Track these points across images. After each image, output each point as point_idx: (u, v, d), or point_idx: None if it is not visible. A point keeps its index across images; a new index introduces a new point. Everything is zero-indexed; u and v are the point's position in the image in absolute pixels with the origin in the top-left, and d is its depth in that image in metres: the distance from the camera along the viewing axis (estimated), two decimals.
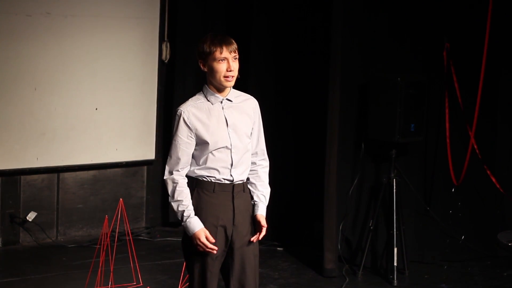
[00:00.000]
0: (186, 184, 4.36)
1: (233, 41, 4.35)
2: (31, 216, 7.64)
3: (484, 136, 7.30)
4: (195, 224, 4.28)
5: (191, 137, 4.35)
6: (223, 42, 4.31)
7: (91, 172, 7.98)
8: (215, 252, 4.29)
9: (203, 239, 4.26)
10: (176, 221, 8.26)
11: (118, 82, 7.90)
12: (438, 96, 7.22)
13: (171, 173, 4.36)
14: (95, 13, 7.70)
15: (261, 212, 4.47)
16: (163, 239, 8.01)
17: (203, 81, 8.21)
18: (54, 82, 7.57)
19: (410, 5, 7.12)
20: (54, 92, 7.58)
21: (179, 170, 4.35)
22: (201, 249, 4.29)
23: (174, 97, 8.21)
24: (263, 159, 4.56)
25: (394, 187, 6.90)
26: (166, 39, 8.20)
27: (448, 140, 7.19)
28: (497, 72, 7.27)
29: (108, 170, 8.07)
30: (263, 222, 4.44)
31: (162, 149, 8.32)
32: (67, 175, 7.85)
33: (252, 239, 4.44)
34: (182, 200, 4.31)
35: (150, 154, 8.19)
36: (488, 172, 7.24)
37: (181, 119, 4.34)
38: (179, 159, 4.35)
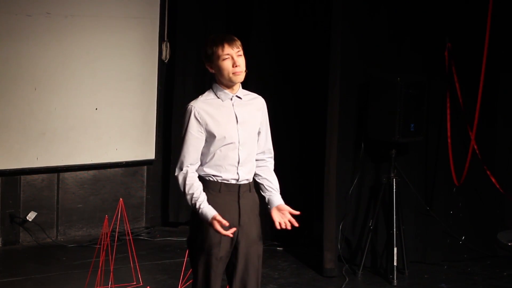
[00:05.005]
0: (197, 178, 4.35)
1: (236, 38, 4.39)
2: (31, 216, 7.64)
3: (484, 136, 7.31)
4: (208, 213, 4.26)
5: (201, 133, 4.34)
6: (224, 40, 4.34)
7: (91, 172, 7.98)
8: (231, 235, 4.26)
9: (217, 226, 4.23)
10: (176, 221, 8.28)
11: (118, 82, 7.90)
12: (439, 96, 7.22)
13: (181, 169, 4.35)
14: (95, 13, 7.70)
15: (281, 202, 4.48)
16: (163, 239, 8.02)
17: (203, 81, 8.15)
18: (54, 82, 7.57)
19: (410, 5, 7.12)
20: (54, 92, 7.58)
21: (189, 165, 4.34)
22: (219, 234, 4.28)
23: (174, 97, 8.21)
24: (270, 157, 4.58)
25: (394, 187, 6.90)
26: (166, 39, 8.20)
27: (449, 140, 7.20)
28: (497, 72, 7.28)
29: (108, 170, 8.07)
30: (290, 208, 4.45)
31: (162, 149, 8.32)
32: (67, 175, 7.85)
33: (285, 225, 4.41)
34: (193, 193, 4.30)
35: (150, 154, 8.19)
36: (488, 172, 7.24)
37: (192, 114, 4.33)
38: (189, 154, 4.34)
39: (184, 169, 4.33)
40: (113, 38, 7.83)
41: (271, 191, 4.52)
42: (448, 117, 7.20)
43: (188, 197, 4.31)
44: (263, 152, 4.54)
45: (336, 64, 6.87)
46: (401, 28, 7.13)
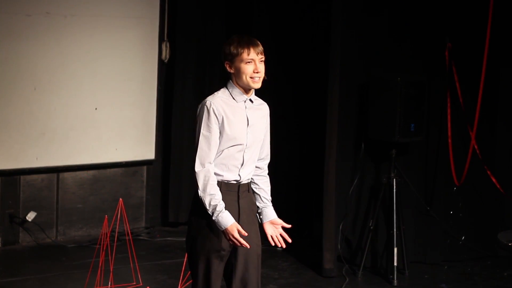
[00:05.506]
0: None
1: (260, 44, 4.40)
2: (30, 216, 7.63)
3: (484, 136, 7.30)
4: (227, 219, 4.26)
5: (218, 129, 4.35)
6: (250, 43, 4.36)
7: (91, 172, 7.97)
8: (248, 247, 4.29)
9: (236, 235, 4.24)
10: (176, 221, 8.27)
11: (118, 82, 7.90)
12: (440, 96, 7.22)
13: (203, 165, 4.32)
14: (95, 13, 7.70)
15: (275, 215, 4.55)
16: (163, 239, 8.01)
17: (203, 81, 8.10)
18: (53, 82, 7.57)
19: (410, 5, 7.12)
20: (54, 92, 7.58)
21: (211, 162, 4.33)
22: (233, 244, 4.29)
23: (173, 97, 8.20)
24: (267, 163, 4.61)
25: (394, 187, 6.90)
26: (165, 39, 8.20)
27: (450, 140, 7.20)
28: (498, 72, 7.28)
29: (108, 170, 8.06)
30: (283, 222, 4.53)
31: (162, 149, 8.32)
32: (66, 175, 7.84)
33: (278, 239, 4.49)
34: (214, 194, 4.29)
35: (150, 154, 8.19)
36: (489, 172, 7.24)
37: (211, 109, 4.33)
38: (210, 151, 4.33)
39: (207, 166, 4.31)
40: (112, 38, 7.83)
41: (266, 203, 4.57)
42: (449, 117, 7.20)
43: (208, 197, 4.28)
44: (263, 159, 4.57)
45: (336, 64, 6.86)
46: (401, 28, 7.12)
